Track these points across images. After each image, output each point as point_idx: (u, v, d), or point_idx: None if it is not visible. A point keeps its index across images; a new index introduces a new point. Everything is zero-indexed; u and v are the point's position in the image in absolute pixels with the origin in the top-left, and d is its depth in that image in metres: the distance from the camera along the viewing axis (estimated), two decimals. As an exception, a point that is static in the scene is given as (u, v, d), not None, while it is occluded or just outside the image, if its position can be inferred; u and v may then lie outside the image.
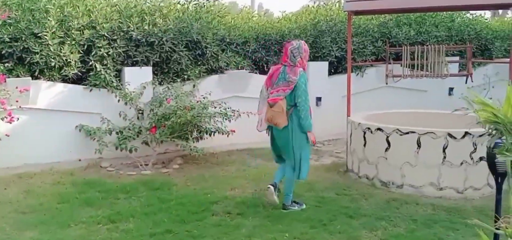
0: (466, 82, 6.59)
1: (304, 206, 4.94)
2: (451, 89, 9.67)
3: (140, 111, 6.85)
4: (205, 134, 6.87)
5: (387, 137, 5.61)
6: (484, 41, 9.78)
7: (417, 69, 6.42)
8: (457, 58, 9.16)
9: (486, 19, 9.96)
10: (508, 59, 10.39)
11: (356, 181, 5.87)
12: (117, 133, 6.57)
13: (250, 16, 8.57)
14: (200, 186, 5.71)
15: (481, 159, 5.33)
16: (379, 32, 9.09)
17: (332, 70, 9.08)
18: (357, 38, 8.82)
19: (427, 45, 6.30)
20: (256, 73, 8.41)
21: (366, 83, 8.96)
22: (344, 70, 8.81)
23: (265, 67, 8.62)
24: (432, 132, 5.36)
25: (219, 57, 7.65)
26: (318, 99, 8.55)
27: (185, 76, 7.28)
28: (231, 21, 8.13)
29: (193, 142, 6.84)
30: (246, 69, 8.02)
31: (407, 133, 5.47)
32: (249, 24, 8.25)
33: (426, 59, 6.37)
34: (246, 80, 7.94)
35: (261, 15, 8.95)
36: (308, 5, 9.73)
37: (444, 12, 9.72)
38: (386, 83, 6.47)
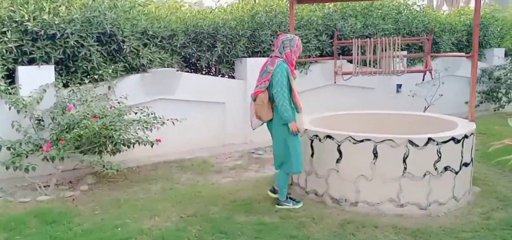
0: (423, 80, 5.85)
1: (301, 204, 4.75)
2: (399, 86, 9.06)
3: (39, 121, 5.54)
4: (122, 146, 5.66)
5: (338, 145, 4.71)
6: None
7: (369, 65, 5.57)
8: (405, 53, 8.51)
9: (433, 11, 9.42)
10: (462, 53, 9.96)
11: (304, 198, 4.93)
12: (8, 148, 5.22)
13: (178, 6, 7.41)
14: (111, 215, 4.53)
15: (446, 168, 4.58)
16: (323, 24, 8.26)
17: (273, 67, 8.15)
18: (300, 31, 7.94)
19: (380, 39, 5.47)
20: (187, 71, 7.31)
21: (310, 81, 8.11)
22: (287, 67, 7.91)
23: (198, 64, 7.53)
24: (391, 140, 4.52)
25: (141, 53, 6.46)
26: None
27: (97, 77, 6.02)
28: (155, 11, 6.95)
29: (110, 156, 5.64)
30: (174, 67, 6.88)
31: (362, 141, 4.60)
32: (177, 15, 7.10)
33: (381, 53, 5.55)
34: (175, 80, 6.81)
35: (191, 5, 7.78)
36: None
37: (391, 4, 9.08)
38: (335, 82, 5.63)
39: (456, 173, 4.66)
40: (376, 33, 8.56)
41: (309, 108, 7.55)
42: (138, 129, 5.58)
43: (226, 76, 7.83)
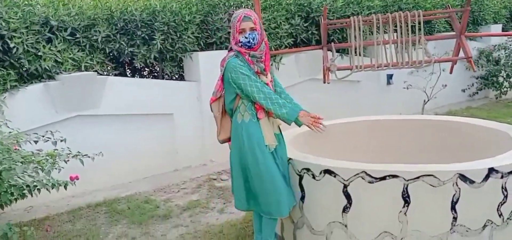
0: (451, 71, 4.13)
1: None
2: (390, 76, 7.42)
3: None
4: (18, 193, 3.67)
5: (345, 186, 2.95)
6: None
7: (378, 57, 3.80)
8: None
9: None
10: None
11: (292, 268, 3.16)
12: None
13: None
14: None
15: (515, 213, 2.91)
16: (295, 4, 6.47)
17: (234, 62, 6.31)
18: (267, 14, 6.13)
19: (392, 14, 3.71)
20: (114, 74, 5.35)
21: (283, 77, 6.28)
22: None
23: (132, 64, 5.58)
24: (431, 175, 2.79)
25: (41, 53, 4.45)
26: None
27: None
28: (59, -8, 4.92)
29: (6, 206, 3.68)
30: (94, 71, 4.91)
31: (384, 178, 2.85)
32: (96, -3, 5.09)
33: (393, 38, 3.80)
34: (97, 89, 4.85)
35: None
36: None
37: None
38: (325, 82, 3.89)
39: (526, 216, 3.00)
40: (361, 12, 6.85)
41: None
42: (37, 169, 3.63)
43: (174, 78, 5.93)
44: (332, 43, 4.68)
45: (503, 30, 9.02)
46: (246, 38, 2.93)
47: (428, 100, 6.92)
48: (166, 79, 5.81)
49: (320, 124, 3.02)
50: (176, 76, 5.97)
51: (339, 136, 4.20)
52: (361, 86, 7.16)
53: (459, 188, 2.77)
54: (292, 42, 6.43)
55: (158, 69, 5.87)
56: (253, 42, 2.95)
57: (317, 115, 3.03)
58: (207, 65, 5.55)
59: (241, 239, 3.72)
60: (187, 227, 4.07)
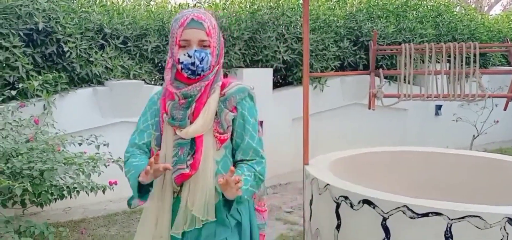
0: (506, 108, 3.93)
1: None
2: (438, 107, 7.17)
3: None
4: (58, 194, 3.79)
5: (384, 219, 2.82)
6: (479, 42, 7.34)
7: (428, 87, 3.67)
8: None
9: (480, 14, 7.52)
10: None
11: None
12: None
13: (148, -4, 5.53)
14: None
15: None
16: (345, 27, 6.40)
17: (279, 82, 6.29)
18: (315, 35, 6.09)
19: (446, 44, 3.58)
20: (160, 84, 5.45)
21: (327, 100, 6.23)
22: (296, 81, 6.05)
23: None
24: (477, 216, 2.62)
25: (93, 59, 4.61)
26: (259, 124, 5.69)
27: (26, 91, 4.18)
28: (115, 1, 5.08)
29: (37, 207, 3.82)
30: (142, 80, 5.03)
31: (426, 215, 2.70)
32: (149, 8, 5.23)
33: (446, 69, 3.67)
34: (142, 96, 4.95)
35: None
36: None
37: (429, 3, 7.21)
38: (370, 108, 3.82)
39: None
40: (412, 40, 6.68)
41: (324, 137, 5.72)
42: (78, 171, 3.74)
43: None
44: (381, 69, 4.60)
45: None
46: (190, 57, 1.73)
47: (478, 135, 6.61)
48: (211, 93, 5.87)
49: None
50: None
51: (382, 165, 4.07)
52: (407, 115, 6.96)
53: (507, 233, 2.59)
54: (338, 65, 6.35)
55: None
56: (200, 66, 1.75)
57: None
58: (251, 81, 5.55)
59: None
60: None
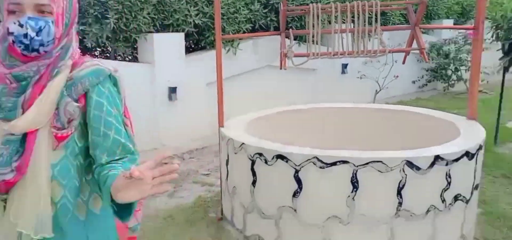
0: (404, 62, 4.24)
1: None
2: (344, 66, 7.55)
3: None
4: None
5: (297, 171, 2.97)
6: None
7: (334, 46, 3.85)
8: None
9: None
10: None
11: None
12: None
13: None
14: None
15: (456, 198, 3.03)
16: (254, -11, 6.45)
17: (191, 46, 6.22)
18: (225, -2, 6.07)
19: (350, 4, 3.76)
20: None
21: (240, 63, 6.29)
22: (209, 45, 6.02)
23: (79, 43, 5.39)
24: (379, 161, 2.85)
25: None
26: (172, 90, 5.62)
27: None
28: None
29: None
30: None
31: (334, 164, 2.89)
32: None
33: (351, 27, 3.86)
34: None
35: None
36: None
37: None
38: (282, 68, 3.93)
39: (467, 201, 3.14)
40: (320, 1, 6.90)
41: (238, 100, 5.80)
42: None
43: (127, 59, 5.78)
44: (290, 29, 4.72)
45: (454, 25, 9.37)
46: (21, 26, 1.29)
47: (380, 90, 7.10)
48: (119, 60, 5.65)
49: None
50: (129, 57, 5.82)
51: (294, 123, 4.24)
52: (316, 75, 7.25)
53: (406, 174, 2.85)
54: (250, 28, 6.40)
55: (110, 49, 5.69)
56: (37, 40, 1.30)
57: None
58: (162, 47, 5.43)
59: (190, 223, 3.69)
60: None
